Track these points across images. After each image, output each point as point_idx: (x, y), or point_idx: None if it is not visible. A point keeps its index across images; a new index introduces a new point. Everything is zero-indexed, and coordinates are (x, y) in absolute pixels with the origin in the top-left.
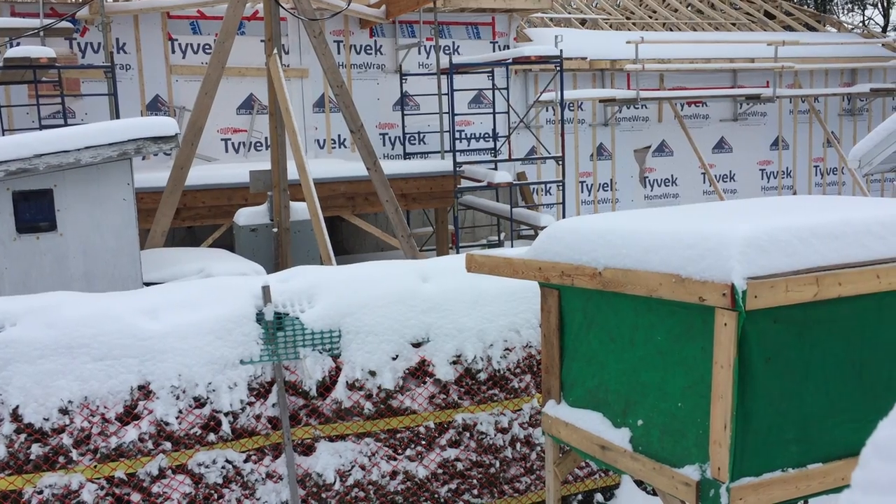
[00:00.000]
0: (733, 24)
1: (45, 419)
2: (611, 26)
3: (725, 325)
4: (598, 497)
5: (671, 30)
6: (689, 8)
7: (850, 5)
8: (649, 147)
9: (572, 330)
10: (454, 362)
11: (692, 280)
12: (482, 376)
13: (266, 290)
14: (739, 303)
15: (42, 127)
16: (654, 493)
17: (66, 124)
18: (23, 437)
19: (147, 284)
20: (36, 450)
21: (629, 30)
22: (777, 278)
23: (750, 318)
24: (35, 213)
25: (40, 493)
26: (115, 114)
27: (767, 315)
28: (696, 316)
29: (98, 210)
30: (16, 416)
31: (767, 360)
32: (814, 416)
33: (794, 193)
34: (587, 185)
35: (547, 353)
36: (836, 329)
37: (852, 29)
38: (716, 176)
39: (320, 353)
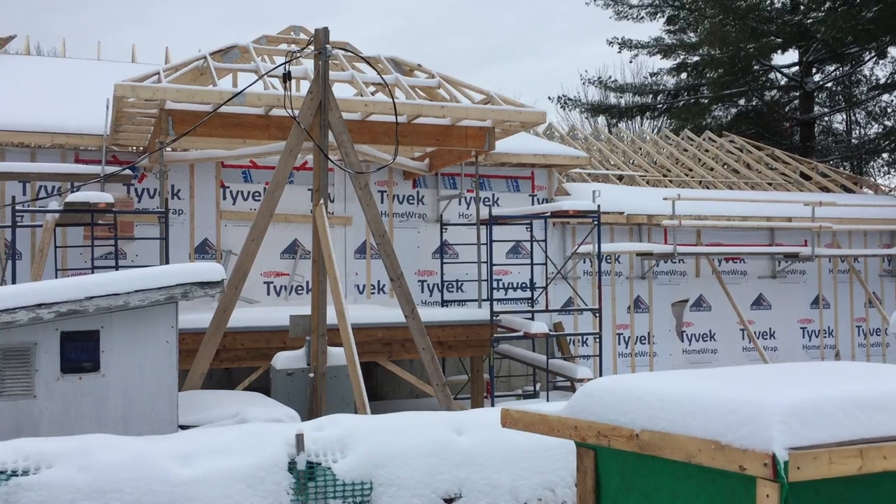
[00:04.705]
0: (769, 184)
1: None
2: (647, 182)
3: (767, 496)
4: None
5: (707, 188)
6: (725, 167)
7: (886, 168)
8: (687, 301)
9: (609, 493)
10: None
11: (732, 448)
12: None
13: (300, 439)
14: (781, 473)
15: (94, 267)
16: None
17: (117, 265)
18: None
19: (182, 427)
20: None
21: (666, 186)
22: (820, 449)
23: (792, 490)
24: (80, 353)
25: None
26: (165, 257)
27: (809, 487)
28: (738, 485)
29: (141, 352)
30: None
31: None
32: None
33: (837, 353)
34: (624, 337)
35: None
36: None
37: (889, 191)
38: (755, 332)
39: None
